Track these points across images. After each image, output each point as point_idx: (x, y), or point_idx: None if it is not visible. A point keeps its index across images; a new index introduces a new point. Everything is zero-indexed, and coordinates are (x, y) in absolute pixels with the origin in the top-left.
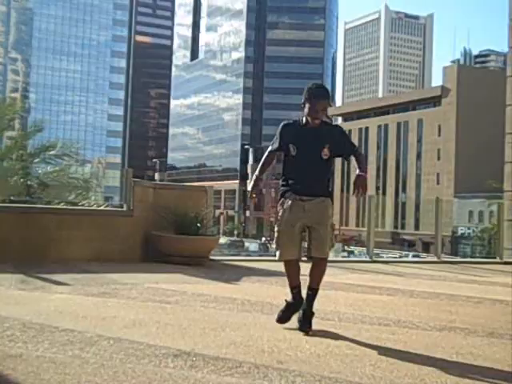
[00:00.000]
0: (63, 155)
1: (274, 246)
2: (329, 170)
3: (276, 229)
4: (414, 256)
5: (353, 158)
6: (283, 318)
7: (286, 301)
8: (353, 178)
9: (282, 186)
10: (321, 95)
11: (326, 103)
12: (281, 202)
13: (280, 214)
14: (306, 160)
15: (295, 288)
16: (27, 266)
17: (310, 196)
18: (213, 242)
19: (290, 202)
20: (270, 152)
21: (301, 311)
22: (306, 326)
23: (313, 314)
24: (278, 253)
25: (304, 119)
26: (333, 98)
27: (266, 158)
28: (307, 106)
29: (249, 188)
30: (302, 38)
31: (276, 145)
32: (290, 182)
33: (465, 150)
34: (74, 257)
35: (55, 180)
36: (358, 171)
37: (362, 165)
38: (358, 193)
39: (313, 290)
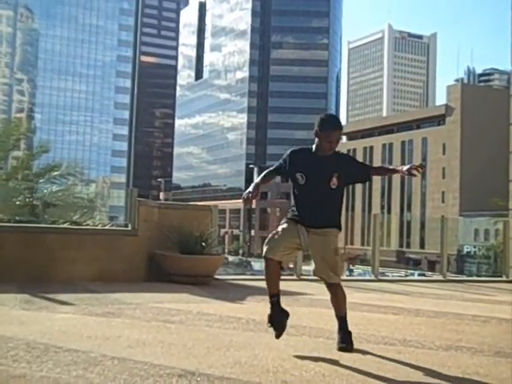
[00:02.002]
0: (68, 175)
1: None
2: (338, 199)
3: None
4: (419, 275)
5: (375, 175)
6: (277, 329)
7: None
8: (358, 195)
9: (291, 211)
10: (336, 126)
11: (340, 133)
12: (285, 219)
13: (282, 222)
14: (315, 189)
15: (273, 296)
16: (31, 286)
17: (316, 228)
18: (218, 261)
19: (293, 224)
20: (270, 171)
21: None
22: (347, 346)
23: (350, 333)
24: (264, 248)
25: (314, 147)
26: None
27: (266, 174)
28: (322, 135)
29: (248, 190)
30: (306, 58)
31: (277, 165)
32: (298, 212)
33: (469, 168)
34: (78, 276)
35: (60, 200)
36: (399, 171)
37: (392, 169)
38: (418, 172)
39: (339, 318)
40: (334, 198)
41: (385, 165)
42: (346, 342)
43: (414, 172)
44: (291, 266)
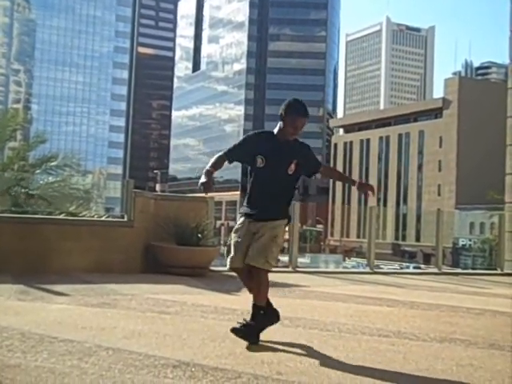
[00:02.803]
0: (64, 166)
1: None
2: (293, 187)
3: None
4: (414, 268)
5: (333, 178)
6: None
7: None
8: (354, 188)
9: (245, 205)
10: (303, 112)
11: (305, 121)
12: (241, 221)
13: (236, 228)
14: (272, 174)
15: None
16: (27, 277)
17: (265, 220)
18: (213, 252)
19: (244, 224)
20: (221, 156)
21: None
22: (242, 333)
23: (250, 325)
24: (227, 261)
25: (276, 131)
26: (334, 110)
27: (218, 159)
28: (287, 119)
29: (201, 180)
30: (304, 50)
31: (230, 148)
32: (251, 201)
33: (466, 162)
34: (74, 267)
35: (56, 191)
36: (355, 182)
37: (347, 177)
38: (371, 194)
39: (253, 306)
40: (290, 184)
41: (342, 173)
42: (246, 328)
43: (369, 192)
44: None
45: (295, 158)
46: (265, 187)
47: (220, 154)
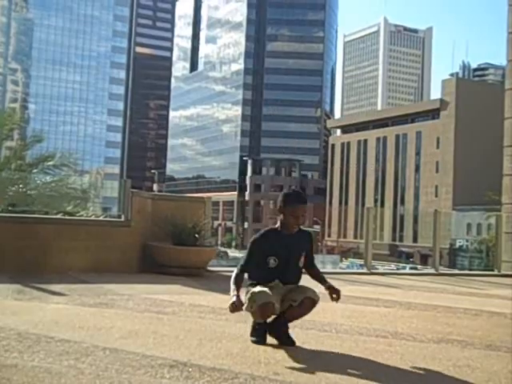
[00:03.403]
0: (62, 165)
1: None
2: (300, 277)
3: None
4: (411, 268)
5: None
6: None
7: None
8: (352, 189)
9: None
10: (301, 200)
11: (306, 209)
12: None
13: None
14: (285, 270)
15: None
16: (24, 276)
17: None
18: (210, 252)
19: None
20: (238, 275)
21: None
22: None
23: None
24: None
25: (279, 225)
26: (331, 111)
27: (237, 279)
28: (287, 210)
29: (231, 301)
30: (301, 51)
31: (243, 263)
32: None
33: (463, 163)
34: (71, 267)
35: (53, 190)
36: (327, 285)
37: (324, 279)
38: (337, 299)
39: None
40: (299, 276)
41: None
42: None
43: (334, 296)
44: None
45: (303, 250)
46: (278, 280)
47: (236, 272)
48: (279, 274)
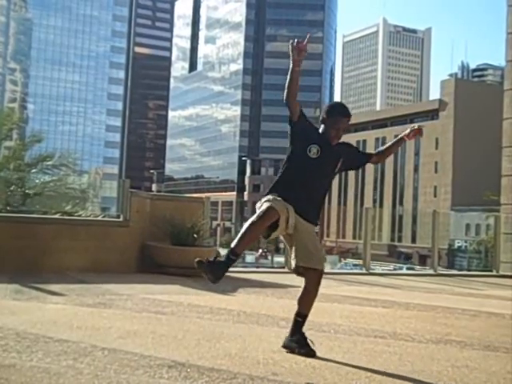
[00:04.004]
0: (61, 165)
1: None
2: (329, 187)
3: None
4: (408, 269)
5: (383, 150)
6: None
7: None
8: (350, 189)
9: (279, 188)
10: (345, 112)
11: (348, 122)
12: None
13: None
14: (322, 168)
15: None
16: (22, 276)
17: (303, 218)
18: (209, 253)
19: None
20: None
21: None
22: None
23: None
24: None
25: (322, 130)
26: None
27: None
28: (329, 121)
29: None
30: None
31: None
32: (287, 187)
33: (462, 163)
34: (69, 267)
35: (52, 190)
36: (403, 138)
37: (393, 145)
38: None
39: (304, 317)
40: (329, 184)
41: (386, 145)
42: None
43: (417, 135)
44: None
45: (342, 157)
46: (310, 180)
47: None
48: (314, 170)
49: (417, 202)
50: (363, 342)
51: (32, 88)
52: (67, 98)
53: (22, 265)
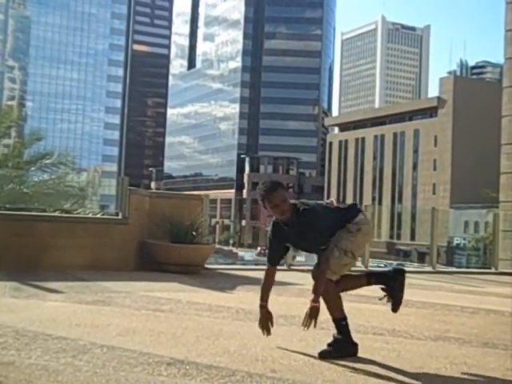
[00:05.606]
0: (59, 163)
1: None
2: (326, 240)
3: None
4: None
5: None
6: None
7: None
8: (349, 187)
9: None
10: (267, 194)
11: (274, 196)
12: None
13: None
14: (304, 247)
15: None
16: (21, 274)
17: None
18: (208, 250)
19: None
20: (268, 271)
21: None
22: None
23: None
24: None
25: (275, 219)
26: (329, 109)
27: (266, 277)
28: (266, 206)
29: (259, 323)
30: (299, 48)
31: (273, 258)
32: None
33: (461, 161)
34: (68, 264)
35: (51, 188)
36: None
37: (318, 286)
38: (309, 323)
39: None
40: (323, 239)
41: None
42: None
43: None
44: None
45: (307, 230)
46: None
47: (266, 269)
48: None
49: (416, 199)
50: (362, 338)
51: (30, 86)
52: (66, 96)
53: (21, 262)
